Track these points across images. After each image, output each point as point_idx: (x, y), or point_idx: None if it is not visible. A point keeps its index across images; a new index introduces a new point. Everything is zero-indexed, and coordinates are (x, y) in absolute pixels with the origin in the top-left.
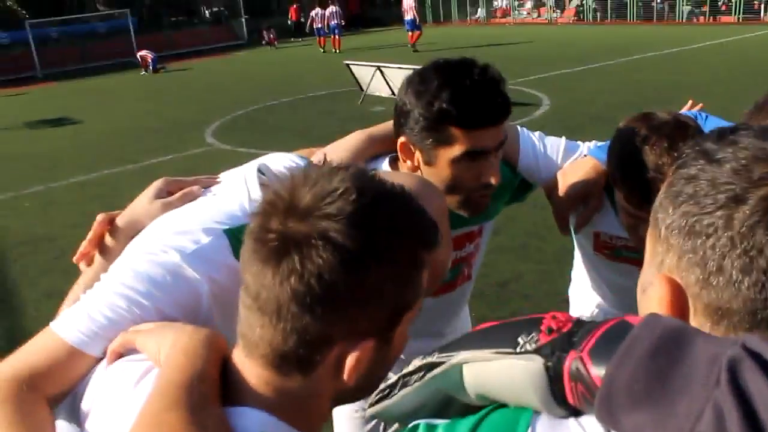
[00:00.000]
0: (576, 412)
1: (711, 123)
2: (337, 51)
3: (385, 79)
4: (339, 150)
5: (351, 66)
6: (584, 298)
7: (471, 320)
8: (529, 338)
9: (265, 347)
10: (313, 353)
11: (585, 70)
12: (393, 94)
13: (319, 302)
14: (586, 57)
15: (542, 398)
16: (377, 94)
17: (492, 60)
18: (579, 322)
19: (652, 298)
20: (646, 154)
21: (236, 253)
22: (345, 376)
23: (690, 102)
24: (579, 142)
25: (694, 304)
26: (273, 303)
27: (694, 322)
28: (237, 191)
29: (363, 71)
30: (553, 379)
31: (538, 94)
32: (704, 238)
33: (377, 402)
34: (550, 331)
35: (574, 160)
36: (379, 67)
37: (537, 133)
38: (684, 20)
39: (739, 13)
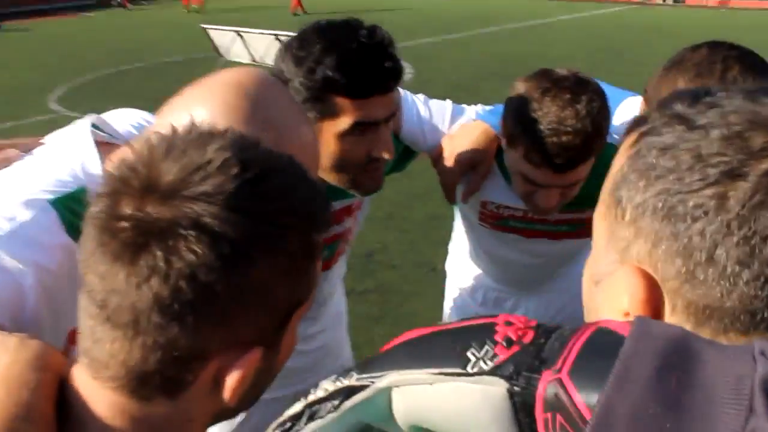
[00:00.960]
0: None
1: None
2: (198, 10)
3: (245, 46)
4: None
5: (209, 30)
6: (464, 271)
7: None
8: (482, 353)
9: (119, 368)
10: (183, 372)
11: (447, 41)
12: (254, 61)
13: (190, 309)
14: (448, 27)
15: (504, 431)
16: (238, 60)
17: None
18: (542, 329)
19: (613, 292)
20: (548, 107)
21: (71, 229)
22: (225, 396)
23: None
24: (465, 106)
25: (672, 301)
26: (128, 312)
27: (670, 321)
28: (66, 153)
29: (222, 36)
30: (520, 408)
31: (402, 63)
32: (689, 222)
33: None
34: (510, 342)
35: (462, 125)
36: (238, 32)
37: (421, 96)
38: None
39: None
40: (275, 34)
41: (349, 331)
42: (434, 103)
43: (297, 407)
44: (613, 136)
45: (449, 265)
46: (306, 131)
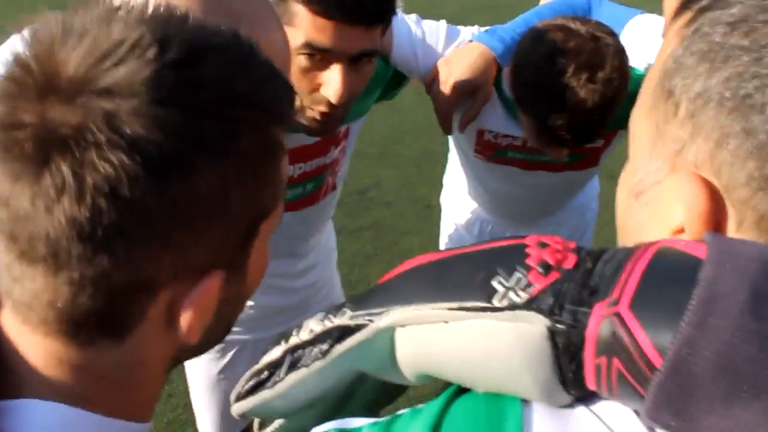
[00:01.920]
0: (583, 397)
1: (608, 6)
2: None
3: None
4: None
5: None
6: (459, 204)
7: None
8: (512, 282)
9: (46, 310)
10: (126, 309)
11: None
12: None
13: (118, 234)
14: None
15: (542, 381)
16: None
17: None
18: (585, 251)
19: (663, 205)
20: (563, 88)
21: None
22: (183, 331)
23: None
24: (460, 27)
25: (739, 214)
26: (42, 243)
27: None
28: None
29: None
30: (564, 350)
31: None
32: None
33: (251, 392)
34: (547, 268)
35: (459, 48)
36: None
37: (413, 16)
38: None
39: None
40: None
41: (343, 268)
42: (427, 23)
43: (276, 352)
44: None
45: (444, 199)
46: (276, 31)
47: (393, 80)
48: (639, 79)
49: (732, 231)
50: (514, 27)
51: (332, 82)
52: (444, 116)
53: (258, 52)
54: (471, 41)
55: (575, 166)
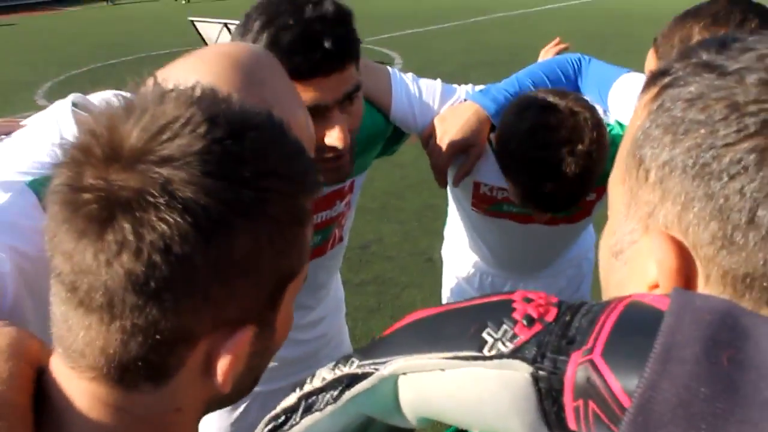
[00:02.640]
0: None
1: (595, 67)
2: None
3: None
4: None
5: (196, 23)
6: (459, 257)
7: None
8: (500, 333)
9: (97, 356)
10: (168, 357)
11: (436, 30)
12: None
13: (168, 286)
14: (436, 16)
15: (528, 422)
16: None
17: None
18: (566, 305)
19: (639, 263)
20: (546, 164)
21: None
22: (218, 380)
23: (556, 40)
24: (455, 86)
25: (706, 270)
26: (100, 294)
27: (704, 292)
28: (46, 133)
29: (209, 28)
30: (546, 395)
31: (390, 53)
32: (726, 179)
33: None
34: (531, 321)
35: (454, 105)
36: (225, 24)
37: (410, 75)
38: None
39: None
40: (226, 23)
41: (347, 322)
42: (424, 82)
43: (292, 398)
44: (610, 122)
45: (445, 252)
46: (300, 113)
47: (393, 136)
48: (620, 139)
49: (701, 285)
50: (507, 87)
51: (332, 131)
52: (439, 171)
53: (288, 130)
54: (466, 100)
55: (570, 219)
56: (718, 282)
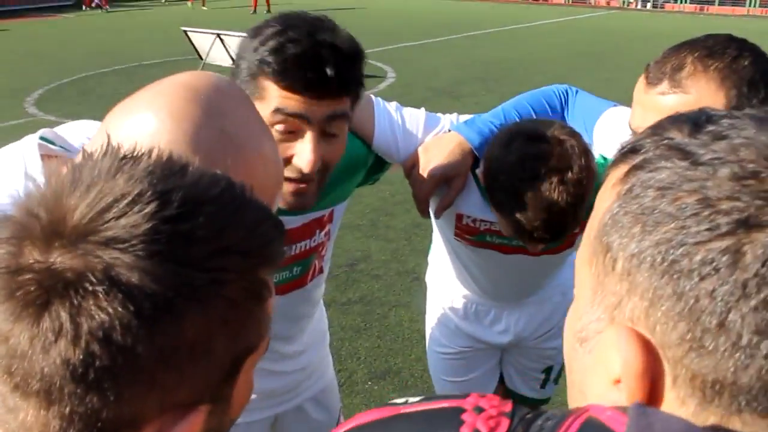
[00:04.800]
0: None
1: (582, 100)
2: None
3: (225, 48)
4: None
5: (189, 33)
6: (443, 285)
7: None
8: None
9: None
10: None
11: (429, 44)
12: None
13: (108, 376)
14: (428, 31)
15: None
16: (217, 63)
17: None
18: (519, 416)
19: (603, 356)
20: (535, 193)
21: None
22: None
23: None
24: (440, 115)
25: (674, 371)
26: (37, 380)
27: (670, 395)
28: (10, 172)
29: (202, 39)
30: None
31: (383, 67)
32: (696, 279)
33: None
34: None
35: (437, 135)
36: (218, 35)
37: (393, 104)
38: None
39: None
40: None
41: (333, 343)
42: (407, 111)
43: None
44: (596, 156)
45: (429, 278)
46: (268, 145)
47: (375, 165)
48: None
49: (668, 386)
50: (492, 118)
51: (304, 151)
52: (421, 201)
53: (250, 197)
54: (450, 131)
55: (553, 250)
56: (686, 384)
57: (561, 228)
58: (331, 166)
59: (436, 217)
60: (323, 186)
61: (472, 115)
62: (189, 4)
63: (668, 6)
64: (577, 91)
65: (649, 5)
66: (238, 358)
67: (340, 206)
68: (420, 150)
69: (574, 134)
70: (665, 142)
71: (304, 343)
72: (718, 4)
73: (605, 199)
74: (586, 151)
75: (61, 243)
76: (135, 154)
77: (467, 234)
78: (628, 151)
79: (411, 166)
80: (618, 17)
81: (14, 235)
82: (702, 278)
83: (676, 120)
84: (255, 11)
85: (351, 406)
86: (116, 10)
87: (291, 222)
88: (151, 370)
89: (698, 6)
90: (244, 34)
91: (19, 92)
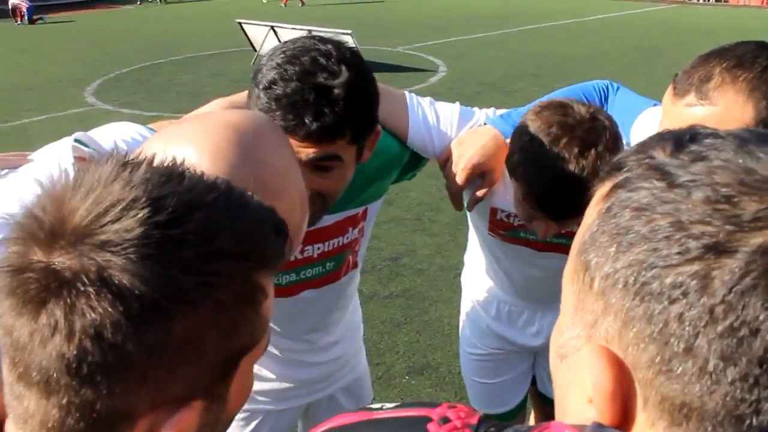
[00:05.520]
0: None
1: (622, 97)
2: (302, 5)
3: (279, 40)
4: None
5: (243, 25)
6: (478, 284)
7: (360, 297)
8: None
9: (38, 428)
10: None
11: (481, 38)
12: None
13: (101, 371)
14: (482, 25)
15: None
16: None
17: (388, 25)
18: (484, 429)
19: (579, 374)
20: (554, 157)
21: None
22: None
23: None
24: (474, 109)
25: (644, 393)
26: (36, 372)
27: (641, 417)
28: (44, 171)
29: (256, 30)
30: None
31: (435, 60)
32: (666, 303)
33: None
34: None
35: (472, 129)
36: (272, 27)
37: (427, 99)
38: None
39: None
40: (309, 30)
41: (372, 336)
42: (441, 106)
43: None
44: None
45: (464, 277)
46: (297, 194)
47: (411, 161)
48: None
49: (640, 407)
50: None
51: None
52: (454, 195)
53: (249, 203)
54: (485, 124)
55: None
56: (655, 407)
57: (568, 204)
58: (329, 195)
59: (469, 209)
60: (326, 210)
61: (508, 110)
62: (282, 4)
63: (732, 0)
64: (618, 88)
65: None
66: (232, 358)
67: (374, 204)
68: (454, 143)
69: (610, 119)
70: (647, 161)
71: (338, 334)
72: None
73: (588, 216)
74: (617, 136)
75: (61, 244)
76: (136, 160)
77: (501, 229)
78: (613, 168)
79: (445, 160)
80: (678, 11)
81: (22, 235)
82: (671, 302)
83: (661, 138)
84: (285, 5)
85: (387, 400)
86: (173, 2)
87: (324, 220)
88: (141, 367)
89: (764, 0)
90: (297, 26)
91: (81, 82)
